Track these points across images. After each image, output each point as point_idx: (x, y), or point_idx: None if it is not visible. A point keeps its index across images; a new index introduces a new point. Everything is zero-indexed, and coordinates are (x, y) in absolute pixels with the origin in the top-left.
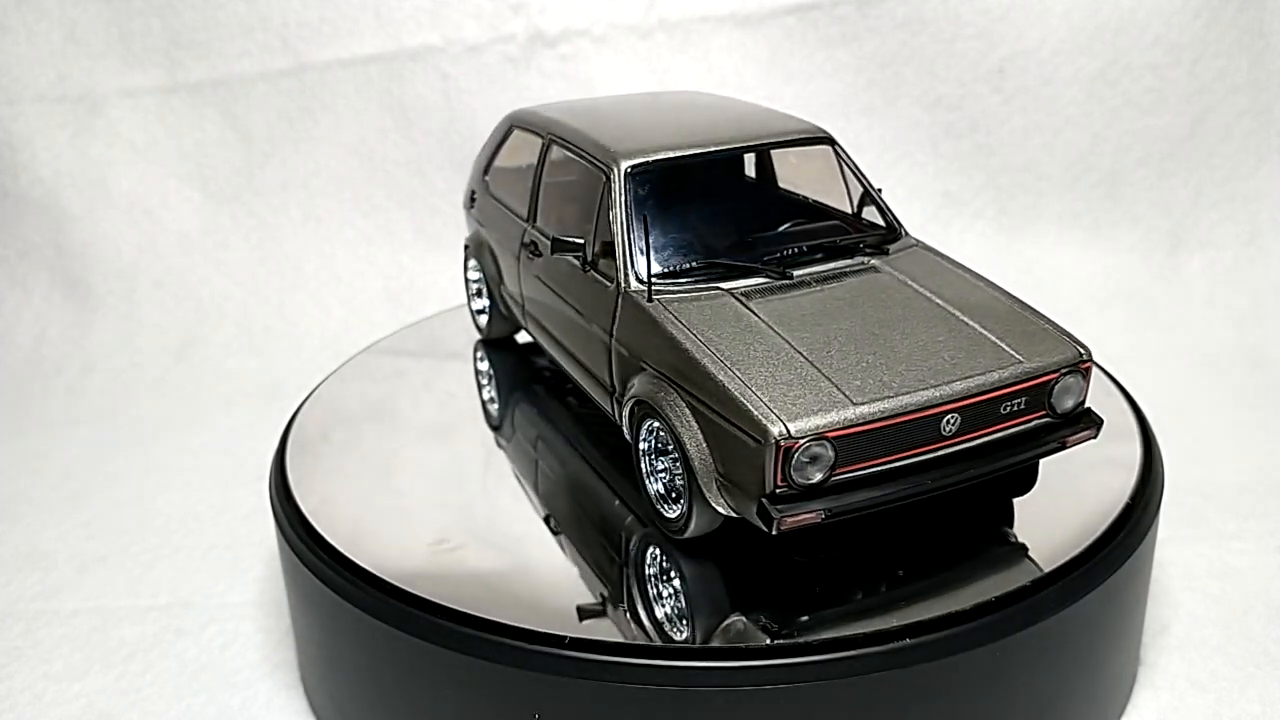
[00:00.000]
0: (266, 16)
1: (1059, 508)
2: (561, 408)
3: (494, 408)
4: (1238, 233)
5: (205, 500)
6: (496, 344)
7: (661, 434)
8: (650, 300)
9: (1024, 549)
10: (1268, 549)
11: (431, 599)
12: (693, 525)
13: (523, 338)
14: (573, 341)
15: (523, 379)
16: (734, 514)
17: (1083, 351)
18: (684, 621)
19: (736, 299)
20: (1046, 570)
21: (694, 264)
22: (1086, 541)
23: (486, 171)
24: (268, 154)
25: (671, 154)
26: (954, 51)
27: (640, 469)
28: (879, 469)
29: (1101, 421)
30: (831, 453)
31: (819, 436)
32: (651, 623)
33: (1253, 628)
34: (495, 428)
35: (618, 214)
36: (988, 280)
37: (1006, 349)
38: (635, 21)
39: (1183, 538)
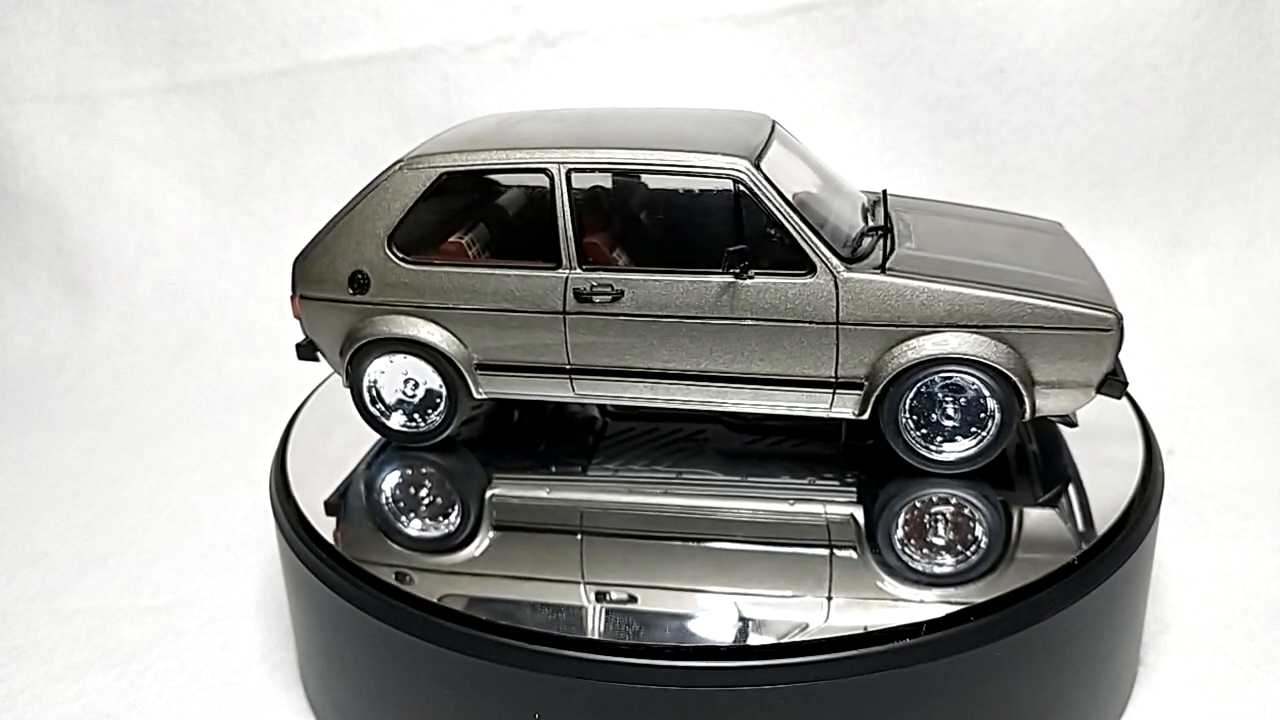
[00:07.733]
0: (266, 16)
1: (1059, 508)
2: (580, 477)
3: (452, 521)
4: (1238, 233)
5: (205, 500)
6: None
7: (947, 382)
8: (884, 272)
9: (1024, 549)
10: (1268, 549)
11: (431, 599)
12: (999, 448)
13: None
14: (735, 359)
15: (473, 475)
16: (1048, 416)
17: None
18: (994, 553)
19: (911, 250)
20: (1046, 570)
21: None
22: (1086, 542)
23: (391, 240)
24: (268, 154)
25: (762, 145)
26: (954, 51)
27: (905, 436)
28: None
29: None
30: None
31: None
32: (910, 582)
33: (1253, 628)
34: (462, 544)
35: (778, 211)
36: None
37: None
38: (635, 21)
39: (1183, 538)
